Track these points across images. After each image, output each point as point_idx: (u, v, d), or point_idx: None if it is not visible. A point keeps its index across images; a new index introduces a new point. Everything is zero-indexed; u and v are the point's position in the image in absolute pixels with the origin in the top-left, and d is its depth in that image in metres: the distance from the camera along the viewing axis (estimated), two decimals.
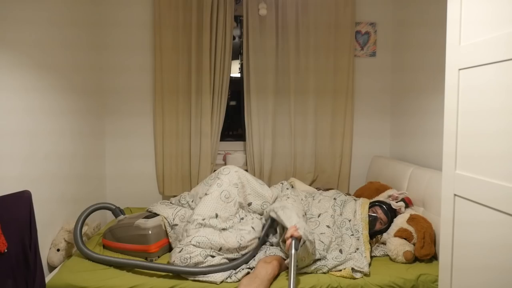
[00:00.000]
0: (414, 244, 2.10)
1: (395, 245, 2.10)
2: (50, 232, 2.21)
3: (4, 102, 1.81)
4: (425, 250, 2.04)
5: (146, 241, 2.07)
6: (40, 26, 2.11)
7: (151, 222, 2.13)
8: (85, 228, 2.34)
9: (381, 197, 2.51)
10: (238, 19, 3.22)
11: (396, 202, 2.36)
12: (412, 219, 2.18)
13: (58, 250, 2.17)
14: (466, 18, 1.34)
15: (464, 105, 1.35)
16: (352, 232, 2.22)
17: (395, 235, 2.17)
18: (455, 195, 1.39)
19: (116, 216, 2.33)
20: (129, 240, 2.10)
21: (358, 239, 2.17)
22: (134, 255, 2.09)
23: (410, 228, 2.14)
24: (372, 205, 2.36)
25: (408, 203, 2.38)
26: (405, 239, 2.13)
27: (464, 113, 1.35)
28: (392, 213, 2.31)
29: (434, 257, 2.14)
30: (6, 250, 1.61)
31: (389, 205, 2.34)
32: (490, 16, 1.23)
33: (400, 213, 2.31)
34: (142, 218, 2.18)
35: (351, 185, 3.26)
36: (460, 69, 1.36)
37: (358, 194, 2.71)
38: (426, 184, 2.30)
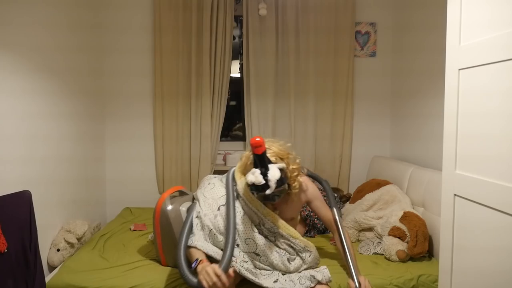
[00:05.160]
0: (407, 243, 2.10)
1: (388, 245, 2.12)
2: (50, 232, 2.21)
3: (5, 105, 1.82)
4: (418, 248, 2.05)
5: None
6: (40, 29, 2.11)
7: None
8: (84, 228, 2.34)
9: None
10: (238, 19, 3.22)
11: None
12: (404, 218, 2.18)
13: (58, 250, 2.17)
14: (466, 19, 1.34)
15: (464, 105, 1.35)
16: None
17: (389, 234, 2.18)
18: (455, 195, 1.39)
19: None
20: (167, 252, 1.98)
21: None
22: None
23: (403, 227, 2.14)
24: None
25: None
26: (399, 237, 2.13)
27: (464, 113, 1.35)
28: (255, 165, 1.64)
29: (432, 255, 2.15)
30: (6, 250, 1.61)
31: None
32: (489, 16, 1.23)
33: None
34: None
35: (351, 185, 3.26)
36: (460, 69, 1.36)
37: (359, 190, 2.70)
38: (426, 184, 2.31)
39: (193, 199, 2.01)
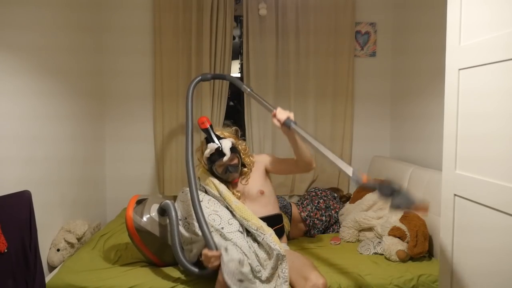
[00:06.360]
0: (407, 243, 2.10)
1: (388, 245, 2.12)
2: (50, 232, 2.21)
3: (5, 106, 1.82)
4: (418, 248, 2.05)
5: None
6: (40, 30, 2.11)
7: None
8: (84, 228, 2.34)
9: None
10: (238, 19, 3.22)
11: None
12: (405, 218, 2.19)
13: (58, 250, 2.17)
14: (466, 19, 1.34)
15: (464, 105, 1.35)
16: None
17: (389, 234, 2.18)
18: (455, 195, 1.39)
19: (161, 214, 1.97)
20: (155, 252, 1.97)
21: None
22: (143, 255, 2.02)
23: (403, 227, 2.15)
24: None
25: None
26: (399, 237, 2.14)
27: (464, 113, 1.35)
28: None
29: (432, 255, 2.15)
30: (6, 250, 1.61)
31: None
32: (489, 17, 1.23)
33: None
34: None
35: (351, 185, 3.26)
36: (460, 69, 1.36)
37: (360, 190, 2.70)
38: (426, 184, 2.31)
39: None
